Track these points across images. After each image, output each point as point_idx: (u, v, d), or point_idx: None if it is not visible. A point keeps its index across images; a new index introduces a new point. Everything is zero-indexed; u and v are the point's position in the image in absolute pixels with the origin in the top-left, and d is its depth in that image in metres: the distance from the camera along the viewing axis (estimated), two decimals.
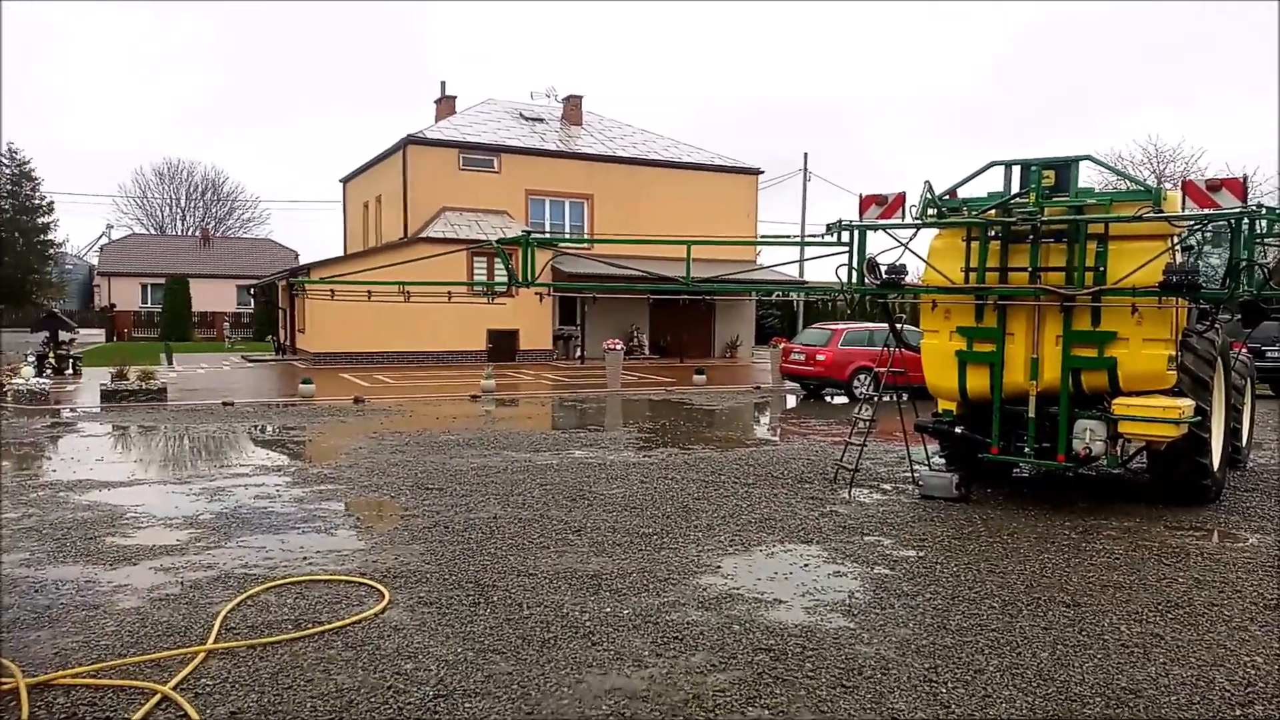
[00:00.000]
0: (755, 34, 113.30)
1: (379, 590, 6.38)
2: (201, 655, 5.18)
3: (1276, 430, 15.99)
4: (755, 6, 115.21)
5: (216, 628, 5.59)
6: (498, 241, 12.03)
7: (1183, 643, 5.60)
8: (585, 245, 30.40)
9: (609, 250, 26.92)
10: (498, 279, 29.28)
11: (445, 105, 36.77)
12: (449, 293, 13.46)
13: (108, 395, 18.06)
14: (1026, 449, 9.47)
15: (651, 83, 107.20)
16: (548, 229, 32.75)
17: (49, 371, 22.63)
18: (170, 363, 28.82)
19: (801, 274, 31.64)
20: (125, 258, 61.08)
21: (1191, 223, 9.06)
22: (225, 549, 7.52)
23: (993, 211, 9.40)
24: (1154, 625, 5.91)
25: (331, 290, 13.54)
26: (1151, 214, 8.68)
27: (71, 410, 17.33)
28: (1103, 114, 77.96)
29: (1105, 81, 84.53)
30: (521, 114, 36.42)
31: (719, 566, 7.16)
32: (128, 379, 18.64)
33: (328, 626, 5.66)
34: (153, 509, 8.96)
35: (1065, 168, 9.29)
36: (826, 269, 10.70)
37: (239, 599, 6.17)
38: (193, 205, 78.05)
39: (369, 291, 13.07)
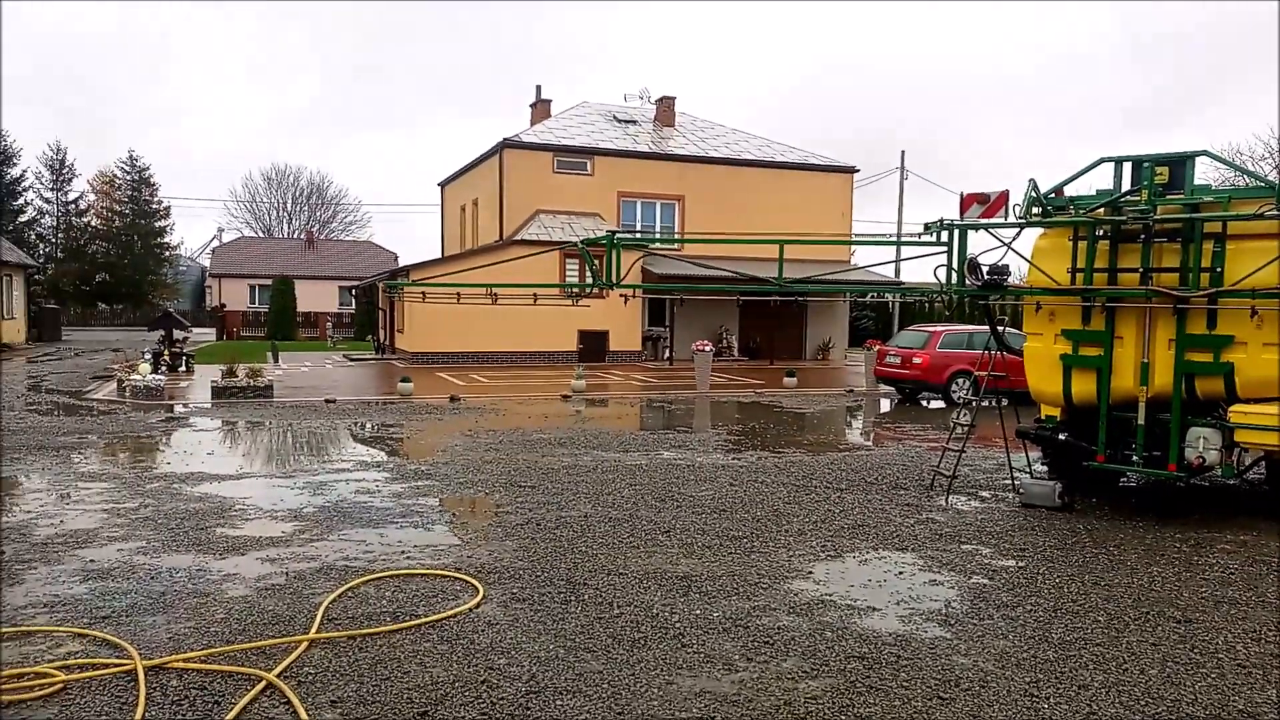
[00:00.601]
0: (852, 31, 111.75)
1: (474, 585, 6.50)
2: (304, 645, 5.36)
3: None
4: (854, 5, 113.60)
5: (319, 618, 5.77)
6: (583, 242, 11.93)
7: None
8: (673, 245, 30.39)
9: (698, 251, 26.85)
10: (587, 280, 29.61)
11: (540, 109, 37.26)
12: (534, 295, 13.47)
13: (218, 391, 18.85)
14: (1135, 457, 9.09)
15: (747, 82, 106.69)
16: (639, 230, 32.86)
17: (164, 368, 23.70)
18: (276, 361, 29.89)
19: (898, 274, 31.01)
20: (235, 259, 63.73)
21: None
22: (327, 541, 7.76)
23: (1101, 210, 9.06)
24: (1274, 645, 5.61)
25: (423, 293, 13.61)
26: (1274, 211, 8.24)
27: (184, 406, 18.13)
28: (1230, 103, 74.36)
29: (1232, 68, 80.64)
30: (615, 116, 36.66)
31: (810, 572, 7.08)
32: (237, 376, 19.42)
33: (424, 620, 5.79)
34: (259, 501, 9.31)
35: (1180, 164, 8.89)
36: (924, 270, 10.43)
37: (340, 591, 6.36)
38: (299, 209, 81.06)
39: (458, 294, 13.19)
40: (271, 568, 6.97)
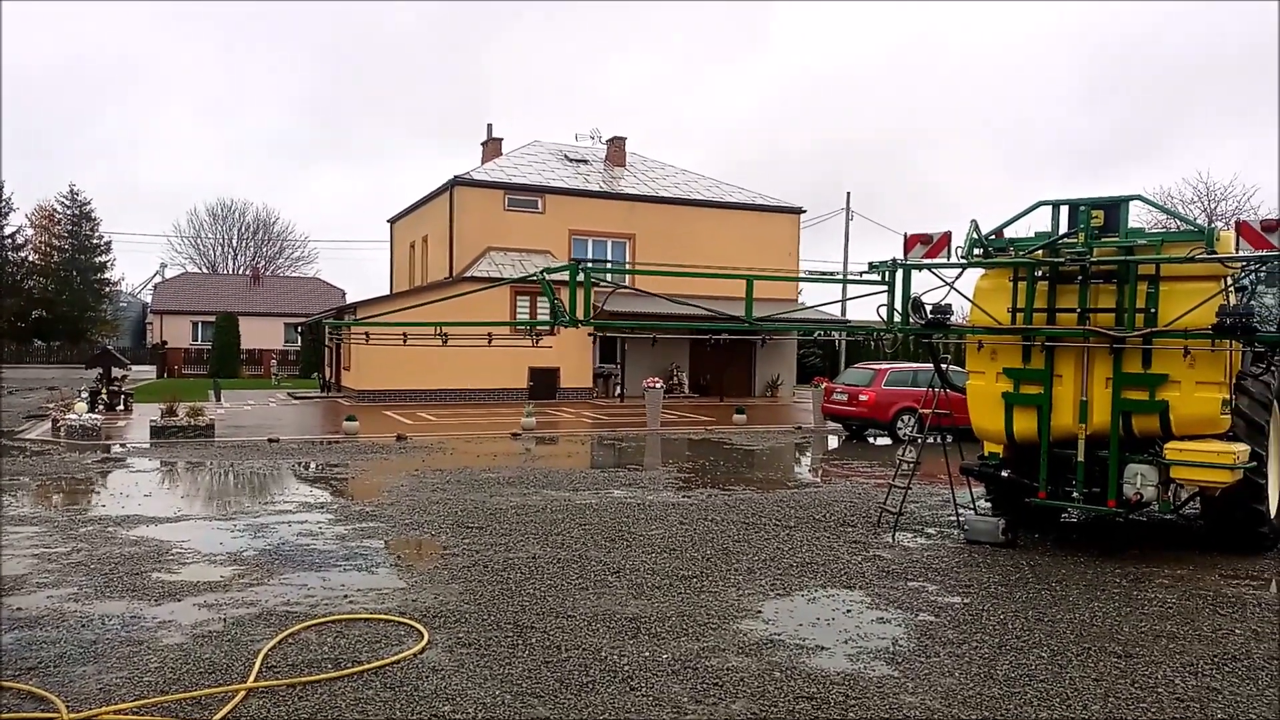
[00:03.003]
0: (801, 74, 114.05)
1: (418, 630, 6.38)
2: (242, 694, 5.20)
3: None
4: (800, 48, 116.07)
5: (257, 666, 5.62)
6: (544, 271, 10.85)
7: (1241, 698, 5.40)
8: (630, 277, 30.46)
9: (651, 287, 27.01)
10: (541, 318, 29.54)
11: (492, 147, 37.35)
12: (489, 334, 12.91)
13: (157, 431, 18.40)
14: (1075, 494, 9.27)
15: (696, 124, 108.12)
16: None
17: (101, 407, 23.12)
18: (218, 399, 29.30)
19: (844, 313, 31.40)
20: (177, 296, 62.55)
21: (1246, 264, 8.88)
22: (268, 586, 7.57)
23: (1040, 251, 9.30)
24: (1210, 679, 5.71)
25: (367, 334, 12.49)
26: (1204, 255, 8.53)
27: (122, 446, 17.66)
28: (1167, 150, 76.90)
29: (1173, 116, 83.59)
30: (566, 155, 36.89)
31: (760, 611, 7.07)
32: (177, 415, 18.98)
33: (367, 666, 5.67)
34: (198, 545, 9.07)
35: (1115, 207, 9.18)
36: (870, 308, 10.51)
37: (280, 637, 6.20)
38: (244, 244, 79.93)
39: (404, 335, 12.13)
40: (209, 614, 6.77)
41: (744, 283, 10.66)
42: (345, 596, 7.29)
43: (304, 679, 5.44)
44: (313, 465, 15.45)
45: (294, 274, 76.06)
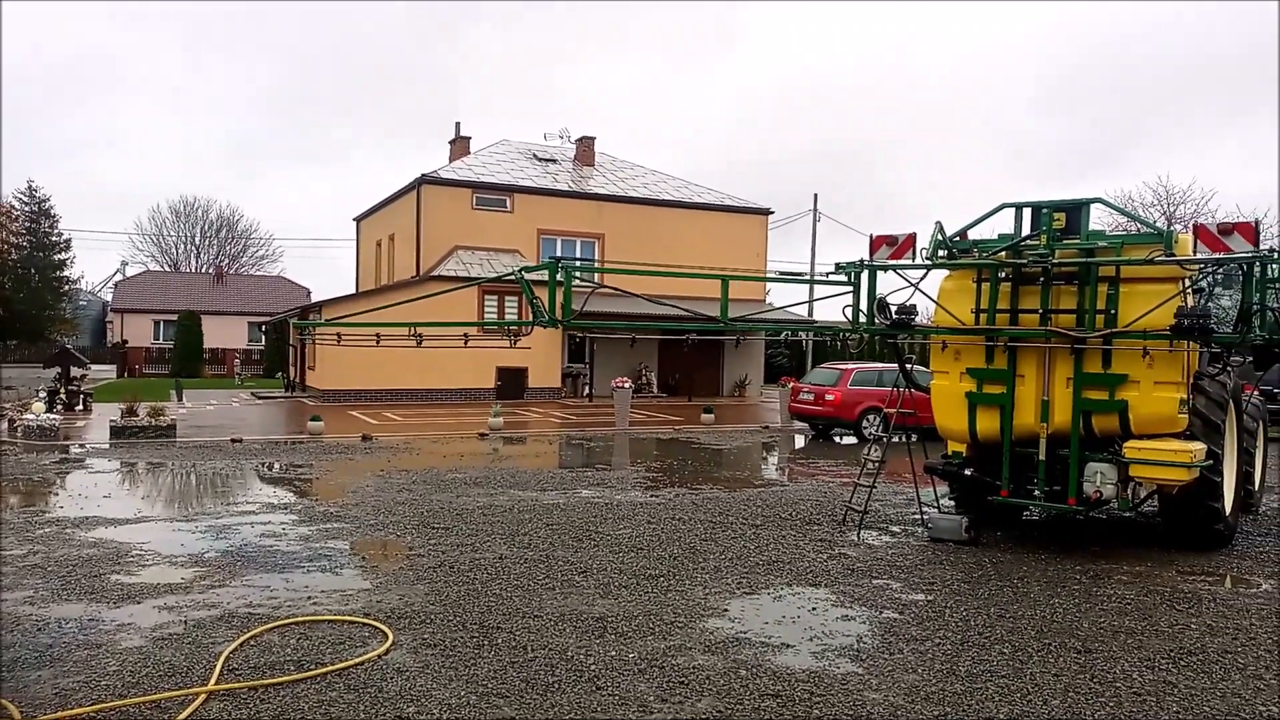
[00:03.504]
0: (771, 79, 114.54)
1: (383, 631, 6.33)
2: (203, 697, 5.14)
3: None
4: (770, 53, 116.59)
5: (218, 669, 5.55)
6: (522, 270, 10.46)
7: (1196, 691, 5.51)
8: (607, 276, 30.40)
9: (626, 286, 26.96)
10: (509, 316, 29.41)
11: (460, 146, 37.15)
12: (465, 335, 12.54)
13: (117, 431, 18.11)
14: (1037, 492, 9.39)
15: (666, 126, 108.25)
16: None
17: (60, 407, 22.70)
18: (180, 399, 28.91)
19: (811, 314, 31.57)
20: (139, 294, 61.58)
21: (1203, 266, 9.04)
22: (230, 588, 7.48)
23: (1003, 253, 9.41)
24: (1167, 673, 5.81)
25: (338, 334, 11.74)
26: (1163, 257, 8.68)
27: (80, 446, 17.36)
28: (1134, 154, 78.04)
29: (1133, 121, 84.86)
30: (535, 155, 36.78)
31: (726, 609, 7.09)
32: (137, 415, 18.69)
33: (330, 668, 5.61)
34: (158, 546, 8.94)
35: (1076, 210, 9.31)
36: (837, 309, 10.57)
37: (242, 639, 6.13)
38: (207, 243, 78.86)
39: (378, 335, 11.53)
40: (169, 616, 6.68)
41: (714, 282, 10.66)
42: (309, 598, 7.22)
43: (266, 681, 5.39)
44: (276, 466, 15.28)
45: (258, 272, 75.18)
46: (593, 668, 5.72)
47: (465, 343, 12.40)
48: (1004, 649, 6.23)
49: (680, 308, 11.56)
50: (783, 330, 30.18)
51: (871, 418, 20.24)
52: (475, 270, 30.14)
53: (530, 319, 10.22)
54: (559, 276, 9.69)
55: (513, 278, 10.16)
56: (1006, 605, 7.31)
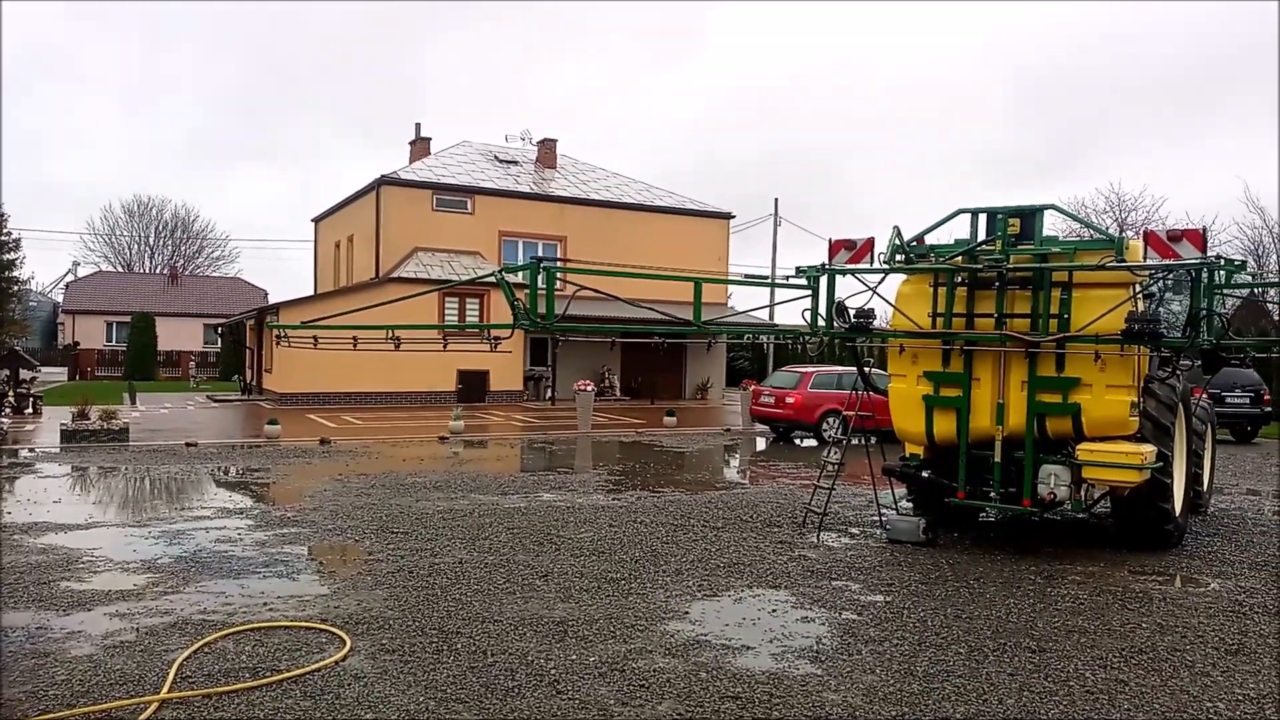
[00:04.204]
0: (733, 85, 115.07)
1: (340, 637, 6.26)
2: (154, 705, 5.04)
3: (1237, 475, 16.20)
4: (733, 60, 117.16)
5: (171, 676, 5.45)
6: (502, 270, 10.10)
7: (1147, 689, 5.61)
8: (585, 278, 30.25)
9: (596, 287, 26.87)
10: (470, 319, 29.25)
11: (420, 147, 36.90)
12: (444, 337, 12.20)
13: (68, 435, 17.74)
14: (992, 493, 9.53)
15: (628, 130, 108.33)
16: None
17: (8, 410, 22.19)
18: (133, 402, 28.41)
19: (772, 317, 31.77)
20: (91, 295, 60.35)
21: (1153, 272, 9.23)
22: (183, 594, 7.36)
23: (959, 258, 9.54)
24: (1118, 671, 5.92)
25: (315, 337, 11.32)
26: (1114, 263, 8.84)
27: (30, 450, 16.98)
28: (1089, 162, 79.38)
29: (1091, 127, 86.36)
30: (496, 156, 36.64)
31: (687, 612, 7.11)
32: (89, 419, 18.33)
33: (286, 675, 5.54)
34: (110, 552, 8.77)
35: (1030, 216, 9.46)
36: (799, 313, 10.65)
37: (195, 646, 6.03)
38: (162, 243, 77.45)
39: (355, 338, 11.08)
40: (121, 623, 6.55)
41: (676, 285, 10.70)
42: (265, 604, 7.13)
43: (220, 689, 5.30)
44: (232, 470, 15.06)
45: (214, 274, 74.03)
46: (553, 672, 5.71)
47: (444, 346, 12.21)
48: (960, 649, 6.31)
49: (658, 310, 11.53)
50: (756, 333, 30.36)
51: (831, 420, 20.43)
52: (435, 272, 29.93)
53: (512, 320, 9.86)
54: (539, 279, 9.41)
55: (492, 279, 9.84)
56: (963, 606, 7.40)
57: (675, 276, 11.03)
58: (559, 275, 9.71)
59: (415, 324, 12.61)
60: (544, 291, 9.36)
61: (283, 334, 11.10)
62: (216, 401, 31.17)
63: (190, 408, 28.36)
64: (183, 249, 77.75)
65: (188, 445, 17.87)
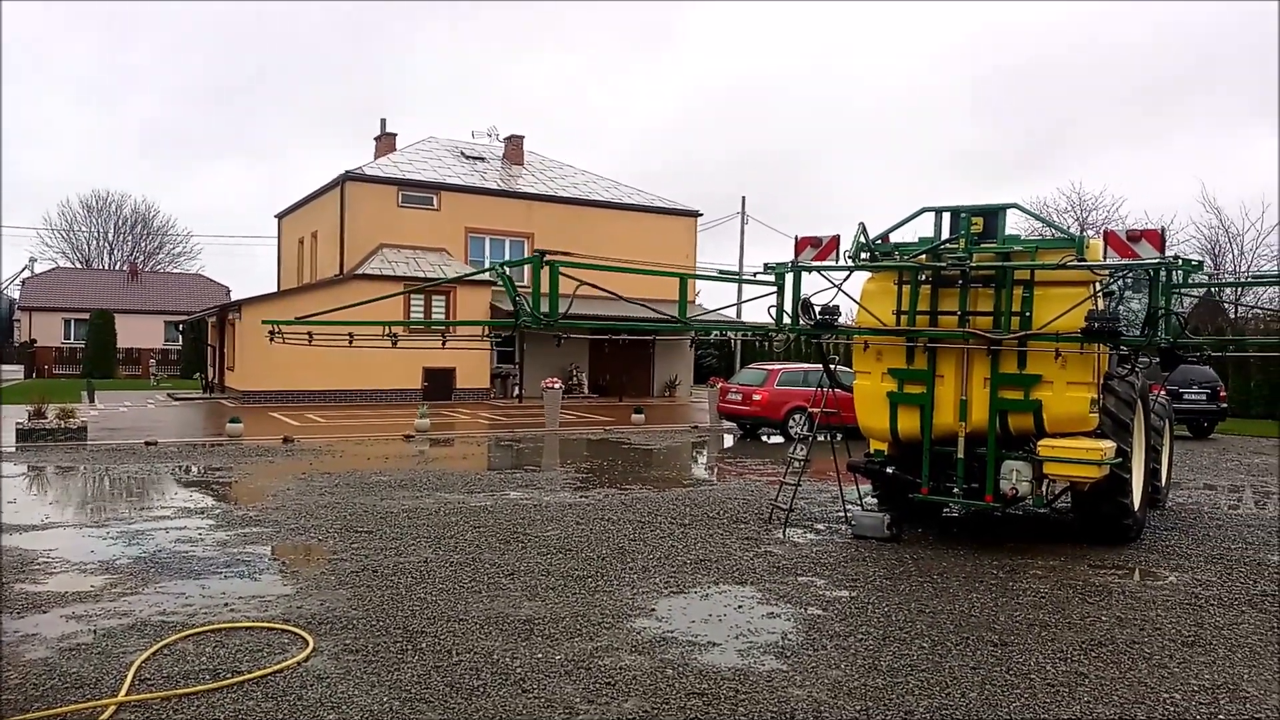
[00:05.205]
0: (702, 85, 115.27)
1: (303, 637, 6.19)
2: (112, 708, 4.96)
3: (1194, 470, 16.50)
4: (703, 60, 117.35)
5: (129, 679, 5.36)
6: (502, 264, 9.72)
7: (1105, 681, 5.70)
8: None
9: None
10: (436, 316, 29.06)
11: (385, 143, 36.60)
12: (443, 335, 11.92)
13: (24, 434, 17.39)
14: (955, 489, 9.63)
15: (595, 126, 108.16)
16: (486, 266, 32.62)
17: None
18: (92, 401, 27.92)
19: (739, 314, 31.91)
20: (49, 292, 59.20)
21: (1113, 271, 9.36)
22: (142, 595, 7.24)
23: (923, 256, 9.61)
24: (1078, 664, 6.00)
25: (309, 334, 11.02)
26: (1075, 262, 8.96)
27: None
28: (1055, 162, 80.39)
29: (1053, 131, 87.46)
30: (463, 153, 36.42)
31: (654, 609, 7.11)
32: (46, 417, 17.98)
33: (247, 676, 5.47)
34: (67, 553, 8.61)
35: (993, 215, 9.56)
36: (765, 310, 10.67)
37: (154, 648, 5.94)
38: (121, 239, 76.16)
39: (350, 335, 10.73)
40: (78, 625, 6.44)
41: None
42: (226, 604, 7.03)
43: (179, 691, 5.22)
44: (193, 469, 14.85)
45: (175, 270, 72.92)
46: (518, 670, 5.68)
47: (443, 344, 11.93)
48: (924, 643, 6.36)
49: (650, 307, 11.50)
50: (735, 330, 30.43)
51: (797, 417, 20.54)
52: (400, 269, 29.70)
53: (514, 318, 9.59)
54: (540, 274, 9.05)
55: (487, 276, 9.58)
56: (927, 600, 7.47)
57: (665, 273, 11.00)
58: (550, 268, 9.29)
59: (411, 321, 12.31)
60: (550, 284, 9.05)
61: (276, 330, 10.91)
62: (177, 400, 30.73)
63: (150, 406, 27.92)
64: (143, 245, 76.54)
65: (147, 444, 17.59)
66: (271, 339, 11.06)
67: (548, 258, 9.24)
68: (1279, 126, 62.30)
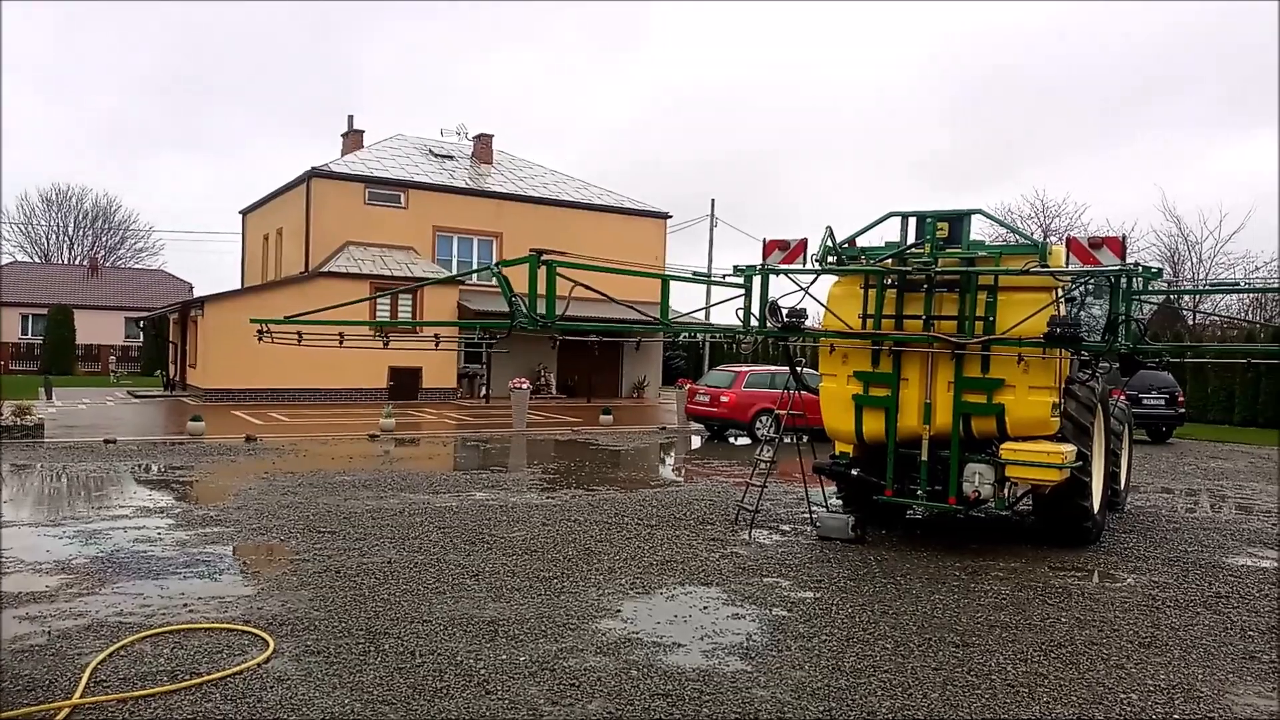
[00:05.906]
0: (672, 88, 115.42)
1: (263, 639, 6.12)
2: (66, 711, 4.87)
3: (1152, 474, 16.78)
4: (673, 65, 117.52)
5: (85, 680, 5.27)
6: (498, 264, 9.38)
7: (1064, 681, 5.77)
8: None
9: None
10: (403, 316, 28.86)
11: (353, 139, 36.26)
12: (436, 335, 11.79)
13: None
14: (919, 491, 9.71)
15: (565, 126, 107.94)
16: (454, 267, 32.47)
17: None
18: (50, 397, 27.41)
19: (708, 317, 32.02)
20: (5, 286, 57.90)
21: (1075, 277, 9.49)
22: (99, 596, 7.12)
23: (889, 260, 9.69)
24: (1038, 665, 6.08)
25: (299, 333, 10.79)
26: (1037, 268, 9.08)
27: None
28: (1021, 169, 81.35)
29: (1022, 138, 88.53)
30: (431, 151, 36.19)
31: (619, 610, 7.10)
32: (1, 414, 17.62)
33: (206, 678, 5.39)
34: (21, 553, 8.44)
35: (958, 220, 9.66)
36: (733, 311, 10.70)
37: (111, 649, 5.84)
38: (81, 233, 74.84)
39: (341, 335, 10.47)
40: (31, 626, 6.31)
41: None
42: (185, 605, 6.93)
43: (136, 693, 5.14)
44: (153, 468, 14.63)
45: (137, 265, 71.79)
46: (482, 672, 5.65)
47: (437, 345, 11.79)
48: (887, 644, 6.41)
49: (636, 309, 11.46)
50: (711, 332, 30.50)
51: (764, 419, 20.63)
52: (367, 267, 29.45)
53: (510, 319, 9.40)
54: (536, 274, 8.85)
55: (492, 272, 9.35)
56: (890, 602, 7.53)
57: (651, 274, 11.00)
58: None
59: (401, 322, 12.18)
60: (547, 285, 8.90)
61: (264, 329, 10.75)
62: (138, 397, 30.25)
63: (110, 403, 27.47)
64: (104, 240, 75.22)
65: (106, 442, 17.30)
66: (260, 338, 10.95)
67: (545, 258, 9.11)
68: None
